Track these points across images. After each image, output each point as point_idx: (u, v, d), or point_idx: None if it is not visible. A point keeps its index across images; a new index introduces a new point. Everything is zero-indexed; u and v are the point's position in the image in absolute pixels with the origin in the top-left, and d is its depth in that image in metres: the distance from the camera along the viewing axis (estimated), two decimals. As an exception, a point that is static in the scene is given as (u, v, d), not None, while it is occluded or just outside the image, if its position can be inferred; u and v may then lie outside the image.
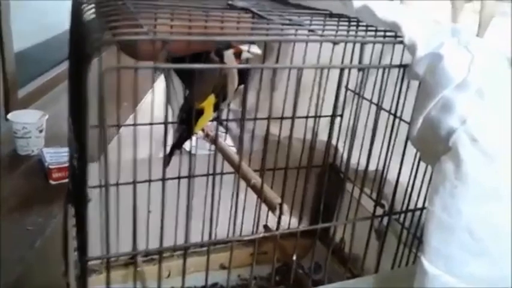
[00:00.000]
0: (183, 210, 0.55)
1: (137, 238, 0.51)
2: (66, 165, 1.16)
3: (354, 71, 0.61)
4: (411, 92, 0.58)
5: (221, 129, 0.92)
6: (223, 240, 0.64)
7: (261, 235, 0.53)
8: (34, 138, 1.50)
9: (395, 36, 0.52)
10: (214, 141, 0.65)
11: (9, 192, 1.30)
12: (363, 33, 0.54)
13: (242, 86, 0.74)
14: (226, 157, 0.70)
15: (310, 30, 0.50)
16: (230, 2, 0.68)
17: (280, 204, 0.54)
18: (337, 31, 0.53)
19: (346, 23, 0.58)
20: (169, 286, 0.82)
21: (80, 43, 0.38)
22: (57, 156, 1.41)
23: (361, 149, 0.72)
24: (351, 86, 0.73)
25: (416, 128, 0.52)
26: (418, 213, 0.67)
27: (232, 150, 0.72)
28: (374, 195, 0.72)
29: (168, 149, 0.76)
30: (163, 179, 0.48)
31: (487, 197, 0.50)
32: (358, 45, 0.51)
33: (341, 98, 0.63)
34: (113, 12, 0.44)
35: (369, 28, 0.56)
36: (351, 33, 0.55)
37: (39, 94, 1.86)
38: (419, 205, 0.65)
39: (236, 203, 0.49)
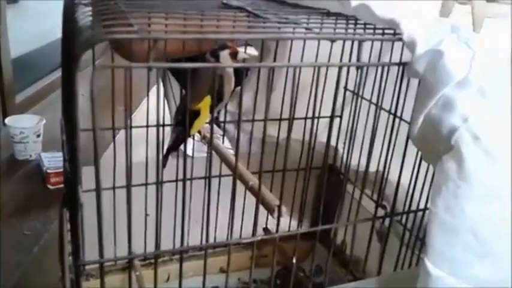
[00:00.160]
0: (181, 213, 0.54)
1: (135, 242, 0.49)
2: (64, 169, 1.15)
3: (353, 71, 0.60)
4: (411, 91, 0.57)
5: (219, 131, 0.91)
6: (221, 243, 0.62)
7: (260, 237, 0.51)
8: (32, 143, 1.50)
9: (394, 34, 0.51)
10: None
11: (7, 197, 1.30)
12: (361, 31, 0.53)
13: (239, 88, 0.73)
14: (224, 159, 0.69)
15: (307, 29, 0.49)
16: (225, 1, 0.67)
17: (279, 206, 0.53)
18: (335, 29, 0.52)
19: (344, 21, 0.57)
20: (168, 290, 0.81)
21: (71, 41, 0.37)
22: (55, 161, 1.40)
23: (361, 150, 0.71)
24: (350, 86, 0.72)
25: (417, 127, 0.50)
26: (420, 214, 0.65)
27: (229, 152, 0.71)
28: (375, 197, 0.71)
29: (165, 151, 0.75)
30: (158, 182, 0.47)
31: (490, 197, 0.49)
32: (356, 45, 0.50)
33: (340, 99, 0.62)
34: (105, 12, 0.43)
35: (367, 26, 0.55)
36: (349, 31, 0.53)
37: (37, 99, 1.86)
38: (421, 206, 0.64)
39: (233, 204, 0.48)
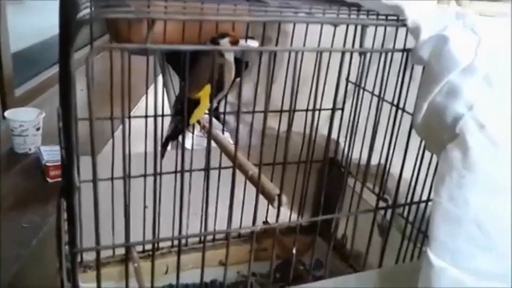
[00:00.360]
0: (179, 204, 0.53)
1: (133, 234, 0.49)
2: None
3: (355, 62, 0.59)
4: (414, 83, 0.56)
5: (219, 126, 0.90)
6: (220, 231, 0.62)
7: (259, 227, 0.50)
8: (31, 136, 1.49)
9: (398, 20, 0.50)
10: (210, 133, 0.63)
11: (6, 190, 1.29)
12: (364, 17, 0.52)
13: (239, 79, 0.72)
14: (223, 149, 0.68)
15: (309, 13, 0.48)
16: None
17: (279, 196, 0.52)
18: (338, 14, 0.51)
19: (347, 8, 0.56)
20: (167, 282, 0.81)
21: (67, 21, 0.36)
22: (55, 154, 1.39)
23: (362, 143, 0.70)
24: (352, 78, 0.71)
25: (421, 115, 0.49)
26: (422, 206, 0.64)
27: (229, 142, 0.70)
28: (377, 190, 0.70)
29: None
30: (156, 174, 0.46)
31: (495, 188, 0.48)
32: (359, 31, 0.49)
33: (342, 91, 0.61)
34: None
35: (371, 12, 0.54)
36: (352, 16, 0.52)
37: (36, 93, 1.85)
38: (424, 198, 0.63)
39: (232, 193, 0.47)
